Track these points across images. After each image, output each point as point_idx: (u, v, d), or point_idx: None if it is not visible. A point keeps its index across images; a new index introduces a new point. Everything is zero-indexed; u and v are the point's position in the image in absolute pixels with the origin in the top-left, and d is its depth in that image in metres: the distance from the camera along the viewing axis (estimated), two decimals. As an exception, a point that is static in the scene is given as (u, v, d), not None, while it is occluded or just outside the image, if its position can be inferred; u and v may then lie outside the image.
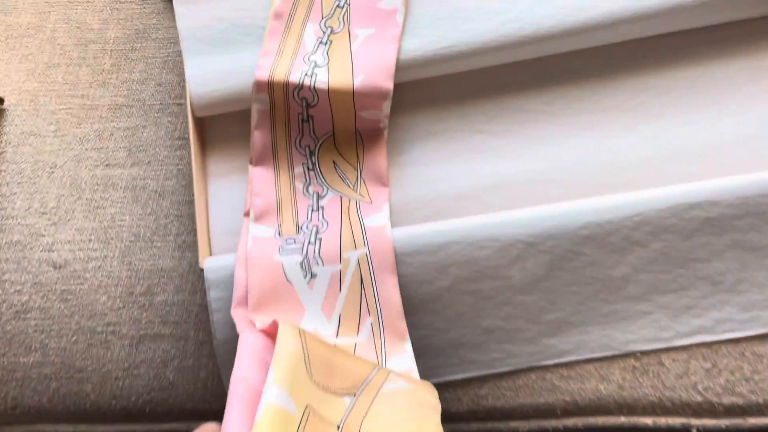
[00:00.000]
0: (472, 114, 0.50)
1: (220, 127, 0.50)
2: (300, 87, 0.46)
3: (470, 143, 0.49)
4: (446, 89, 0.50)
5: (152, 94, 0.51)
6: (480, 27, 0.48)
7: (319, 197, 0.46)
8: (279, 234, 0.45)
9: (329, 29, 0.49)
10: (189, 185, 0.48)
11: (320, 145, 0.48)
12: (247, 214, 0.46)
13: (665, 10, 0.48)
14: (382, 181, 0.46)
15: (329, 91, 0.46)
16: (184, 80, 0.51)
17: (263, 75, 0.46)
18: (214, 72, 0.48)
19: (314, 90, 0.46)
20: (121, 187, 0.48)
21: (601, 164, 0.47)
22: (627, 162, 0.47)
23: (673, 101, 0.50)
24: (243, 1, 0.50)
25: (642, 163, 0.47)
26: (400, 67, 0.48)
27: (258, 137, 0.47)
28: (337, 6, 0.50)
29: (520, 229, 0.43)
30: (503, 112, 0.50)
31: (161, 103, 0.51)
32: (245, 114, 0.48)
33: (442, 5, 0.49)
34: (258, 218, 0.45)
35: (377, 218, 0.44)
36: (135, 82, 0.52)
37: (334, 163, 0.47)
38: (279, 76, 0.46)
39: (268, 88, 0.46)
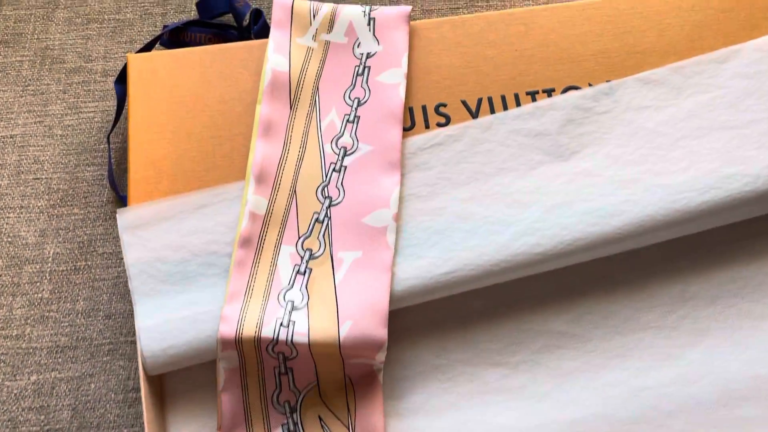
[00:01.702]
0: (482, 340, 0.42)
1: (181, 377, 0.42)
2: (275, 342, 0.38)
3: (483, 381, 0.41)
4: (450, 311, 0.42)
5: (100, 331, 0.43)
6: (487, 243, 0.41)
7: (303, 466, 0.38)
8: None
9: (308, 252, 0.41)
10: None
11: (302, 399, 0.40)
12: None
13: (707, 209, 0.41)
14: (380, 443, 0.38)
15: (310, 345, 0.38)
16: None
17: (229, 330, 0.38)
18: (171, 322, 0.40)
19: (292, 345, 0.38)
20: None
21: (638, 410, 0.39)
22: (670, 406, 0.39)
23: (719, 315, 0.42)
24: (201, 221, 0.42)
25: (687, 408, 0.39)
26: (395, 298, 0.40)
27: (226, 402, 0.39)
28: (316, 220, 0.42)
29: None
30: (520, 337, 0.42)
31: (111, 343, 0.43)
32: (211, 363, 0.41)
33: (439, 214, 0.42)
34: None
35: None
36: (79, 315, 0.44)
37: (320, 419, 0.39)
38: (248, 330, 0.38)
39: (237, 345, 0.38)
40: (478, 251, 0.41)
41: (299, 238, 0.42)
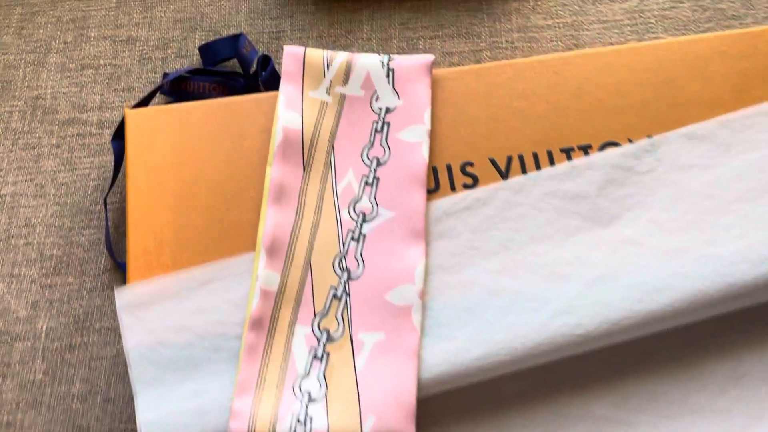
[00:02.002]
0: (516, 426, 0.38)
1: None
2: (291, 441, 0.35)
3: (519, 472, 0.37)
4: (482, 395, 0.39)
5: (98, 417, 0.40)
6: (522, 323, 0.37)
7: None
8: None
9: (325, 334, 0.38)
10: None
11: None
12: None
13: (763, 283, 0.38)
14: None
15: (331, 443, 0.35)
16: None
17: (240, 427, 0.35)
18: (175, 414, 0.36)
19: (310, 444, 0.35)
20: None
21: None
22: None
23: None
24: (208, 299, 0.38)
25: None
26: (422, 386, 0.37)
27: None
28: (334, 296, 0.38)
29: None
30: (558, 423, 0.38)
31: (110, 430, 0.39)
32: None
33: (469, 289, 0.38)
34: None
35: None
36: (75, 399, 0.40)
37: None
38: (261, 427, 0.35)
39: (249, 445, 0.35)
40: (512, 332, 0.37)
41: (315, 316, 0.38)
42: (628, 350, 0.39)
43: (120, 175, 0.46)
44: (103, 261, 0.45)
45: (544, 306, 0.37)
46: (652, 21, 0.49)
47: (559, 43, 0.51)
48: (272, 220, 0.39)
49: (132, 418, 0.39)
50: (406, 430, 0.34)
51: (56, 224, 0.45)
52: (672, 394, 0.39)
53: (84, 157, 0.48)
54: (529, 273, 0.38)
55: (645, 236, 0.39)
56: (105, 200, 0.45)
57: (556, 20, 0.50)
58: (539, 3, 0.50)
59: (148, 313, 0.38)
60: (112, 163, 0.47)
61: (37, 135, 0.48)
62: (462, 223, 0.40)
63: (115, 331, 0.41)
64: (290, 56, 0.44)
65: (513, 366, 0.37)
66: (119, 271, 0.44)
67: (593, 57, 0.44)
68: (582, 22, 0.50)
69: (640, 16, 0.49)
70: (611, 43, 0.50)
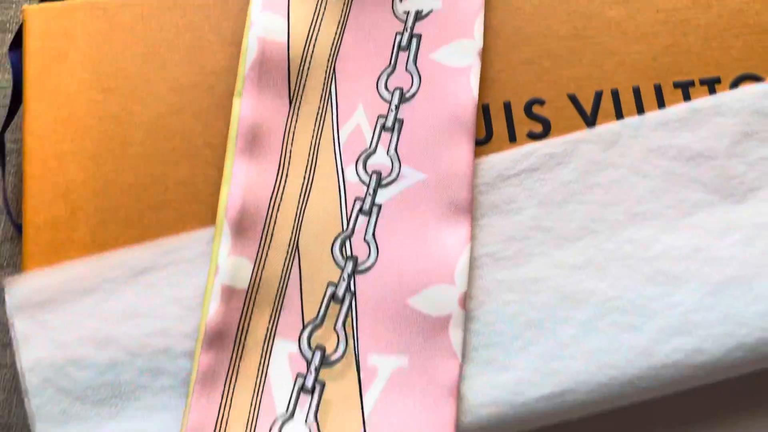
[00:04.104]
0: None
1: None
2: None
3: None
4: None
5: (-7, 452, 0.28)
6: (614, 347, 0.25)
7: None
8: None
9: (318, 355, 0.26)
10: None
11: None
12: None
13: None
14: None
15: None
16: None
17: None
18: (91, 475, 0.25)
19: None
20: None
21: None
22: None
23: None
24: (143, 297, 0.26)
25: None
26: (462, 435, 0.25)
27: None
28: (332, 297, 0.26)
29: None
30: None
31: (10, 473, 0.28)
32: None
33: (534, 292, 0.26)
34: None
35: None
36: (-39, 424, 0.29)
37: None
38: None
39: None
40: (599, 361, 0.25)
41: (304, 327, 0.26)
42: (754, 385, 0.28)
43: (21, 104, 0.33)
44: (1, 225, 0.32)
45: (647, 322, 0.26)
46: None
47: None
48: (241, 181, 0.26)
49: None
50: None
51: (-61, 170, 0.32)
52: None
53: (-21, 73, 0.34)
54: (625, 270, 0.26)
55: (800, 220, 0.27)
56: (1, 137, 0.32)
57: None
58: None
59: (55, 317, 0.26)
60: (11, 84, 0.34)
61: None
62: (526, 193, 0.27)
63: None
64: (273, -71, 0.30)
65: (596, 408, 0.26)
66: (21, 242, 0.31)
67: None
68: None
69: None
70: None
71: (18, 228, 0.31)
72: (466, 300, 0.25)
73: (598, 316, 0.26)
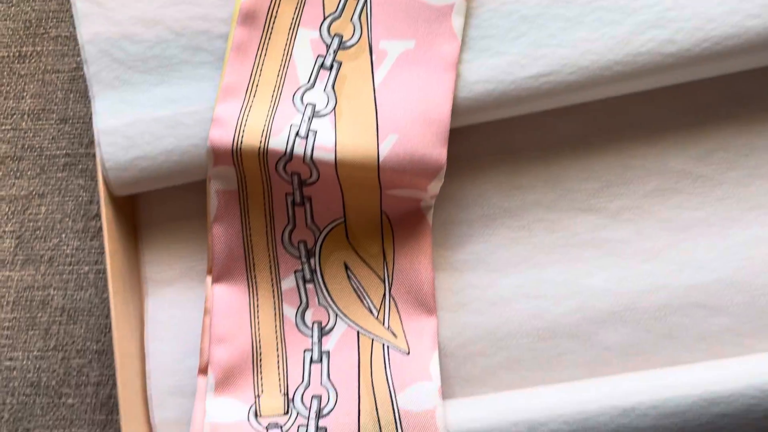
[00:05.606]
0: (571, 178, 0.31)
1: (159, 201, 0.31)
2: (288, 157, 0.27)
3: (570, 232, 0.30)
4: (530, 135, 0.31)
5: (53, 138, 0.32)
6: (596, 36, 0.28)
7: (321, 332, 0.29)
8: (256, 415, 0.27)
9: (337, 40, 0.29)
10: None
11: (323, 240, 0.29)
12: (203, 371, 0.28)
13: None
14: (425, 304, 0.28)
15: (337, 164, 0.27)
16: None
17: (224, 137, 0.27)
18: (143, 123, 0.29)
19: (312, 162, 0.27)
20: (7, 303, 0.31)
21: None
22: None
23: None
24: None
25: None
26: (459, 108, 0.29)
27: (220, 237, 0.28)
28: (350, -6, 0.30)
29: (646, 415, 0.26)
30: (624, 177, 0.30)
31: (67, 154, 0.32)
32: (201, 182, 0.30)
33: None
34: (220, 386, 0.28)
35: (420, 394, 0.27)
36: (26, 116, 0.33)
37: (346, 267, 0.29)
38: (251, 138, 0.27)
39: (234, 159, 0.27)
40: (582, 47, 0.29)
41: (324, 18, 0.30)
42: (720, 91, 0.31)
43: None
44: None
45: (627, 18, 0.29)
46: None
47: None
48: None
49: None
50: (434, 154, 0.27)
51: None
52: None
53: None
54: None
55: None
56: None
57: None
58: None
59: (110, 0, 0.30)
60: None
61: None
62: None
63: (75, 40, 0.33)
64: None
65: (576, 93, 0.29)
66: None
67: None
68: None
69: None
70: None
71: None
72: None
73: (584, 12, 0.29)
